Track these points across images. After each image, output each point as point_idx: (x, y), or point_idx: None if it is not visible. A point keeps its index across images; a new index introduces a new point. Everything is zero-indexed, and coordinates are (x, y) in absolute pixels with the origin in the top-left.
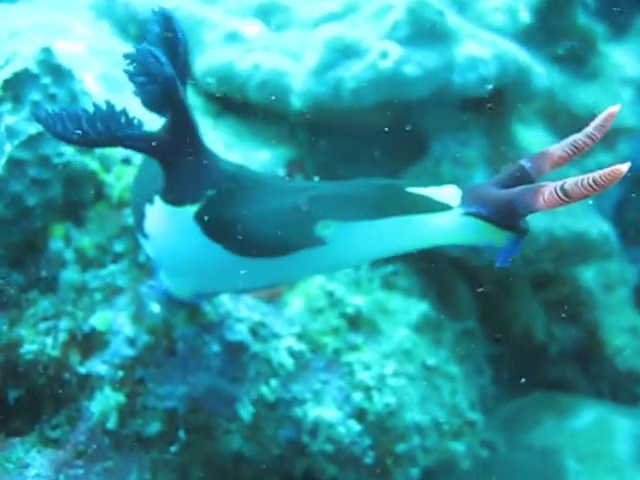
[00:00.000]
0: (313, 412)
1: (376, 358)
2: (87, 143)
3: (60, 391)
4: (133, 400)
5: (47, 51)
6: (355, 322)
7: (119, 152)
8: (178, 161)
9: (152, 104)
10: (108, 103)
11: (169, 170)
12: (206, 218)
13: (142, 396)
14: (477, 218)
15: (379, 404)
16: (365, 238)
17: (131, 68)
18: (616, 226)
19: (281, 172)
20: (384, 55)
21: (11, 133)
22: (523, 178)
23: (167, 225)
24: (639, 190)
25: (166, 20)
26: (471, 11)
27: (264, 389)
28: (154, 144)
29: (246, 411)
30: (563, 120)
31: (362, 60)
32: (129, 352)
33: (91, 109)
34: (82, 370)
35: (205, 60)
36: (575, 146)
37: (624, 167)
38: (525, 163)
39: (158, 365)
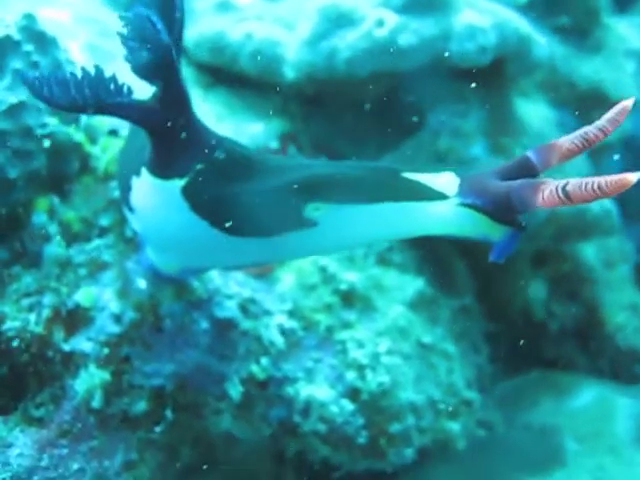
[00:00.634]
0: (305, 391)
1: (370, 336)
2: (74, 109)
3: (44, 369)
4: (119, 378)
5: (29, 17)
6: (349, 299)
7: (105, 122)
8: (167, 132)
9: (144, 71)
10: (97, 68)
11: (157, 141)
12: (193, 193)
13: (128, 374)
14: (473, 209)
15: (373, 383)
16: (356, 222)
17: (125, 31)
18: (619, 202)
19: (274, 145)
20: (380, 23)
21: None
22: (528, 170)
23: (153, 199)
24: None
25: None
26: None
27: (254, 367)
28: (143, 113)
29: (235, 390)
30: (565, 93)
31: (357, 29)
32: (115, 329)
33: (79, 74)
34: (66, 347)
35: (196, 29)
36: (586, 139)
37: (633, 177)
38: (531, 154)
39: (144, 342)
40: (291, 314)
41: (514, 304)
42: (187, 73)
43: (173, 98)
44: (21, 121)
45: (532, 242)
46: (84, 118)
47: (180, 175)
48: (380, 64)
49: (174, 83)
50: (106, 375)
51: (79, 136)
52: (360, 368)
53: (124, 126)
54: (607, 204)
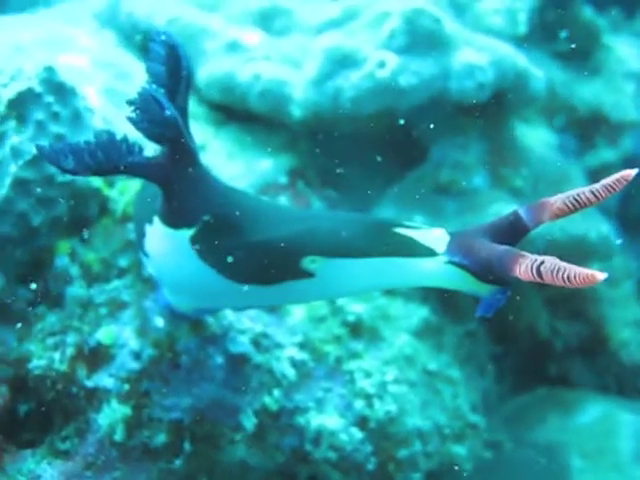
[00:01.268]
0: (316, 420)
1: (377, 365)
2: (90, 174)
3: (69, 404)
4: (139, 412)
5: (50, 70)
6: (356, 330)
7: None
8: (177, 186)
9: (154, 140)
10: (109, 132)
11: (168, 193)
12: (201, 242)
13: (148, 408)
14: (460, 268)
15: (380, 411)
16: (350, 275)
17: (134, 115)
18: (620, 220)
19: (283, 180)
20: (381, 64)
21: (16, 153)
22: (518, 228)
23: (165, 246)
24: None
25: (170, 44)
26: (470, 13)
27: (267, 399)
28: (154, 170)
29: (249, 421)
30: (565, 117)
31: (360, 69)
32: (134, 365)
33: (92, 139)
34: (89, 384)
35: (206, 70)
36: (578, 201)
37: (600, 276)
38: (522, 212)
39: (163, 378)
40: (302, 346)
41: (519, 324)
42: (199, 111)
43: (182, 158)
44: (44, 170)
45: None
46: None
47: (188, 225)
48: (383, 102)
49: (182, 147)
50: (127, 409)
51: (97, 181)
52: (368, 397)
53: None
54: (605, 229)
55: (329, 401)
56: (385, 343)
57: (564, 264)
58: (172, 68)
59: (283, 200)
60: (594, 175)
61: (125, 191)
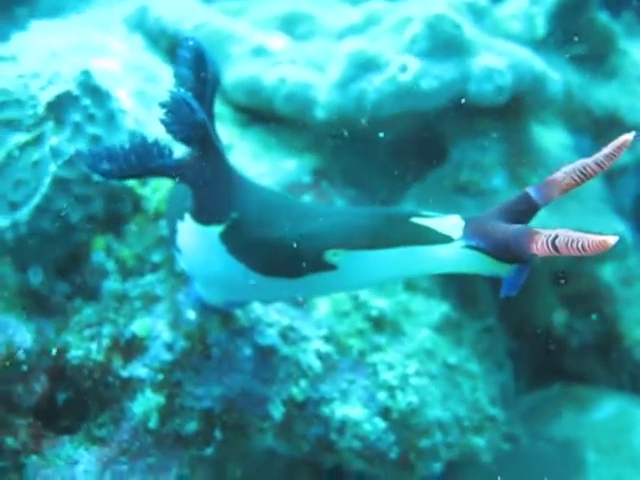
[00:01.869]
0: (340, 411)
1: (399, 358)
2: (125, 177)
3: (105, 393)
4: (172, 401)
5: (86, 73)
6: (379, 324)
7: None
8: (206, 185)
9: (184, 142)
10: (141, 137)
11: (198, 192)
12: (230, 238)
13: (180, 397)
14: (477, 251)
15: (402, 402)
16: (371, 266)
17: (166, 118)
18: (636, 220)
19: (307, 180)
20: (403, 69)
21: (55, 153)
22: (529, 206)
23: (196, 242)
24: None
25: (196, 49)
26: (488, 19)
27: (294, 389)
28: (183, 171)
29: (277, 410)
30: (581, 119)
31: (382, 73)
32: (167, 356)
33: (126, 144)
34: (124, 374)
35: (233, 73)
36: (584, 173)
37: (612, 240)
38: (531, 191)
39: (194, 368)
40: (327, 339)
41: (536, 322)
42: (225, 113)
43: (210, 159)
44: (81, 169)
45: (549, 265)
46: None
47: (218, 222)
48: (405, 105)
49: (210, 149)
50: (161, 398)
51: (131, 181)
52: (390, 389)
53: None
54: (620, 229)
55: (353, 392)
56: (407, 337)
57: (577, 234)
58: (199, 73)
59: (307, 199)
60: (608, 176)
61: (157, 189)
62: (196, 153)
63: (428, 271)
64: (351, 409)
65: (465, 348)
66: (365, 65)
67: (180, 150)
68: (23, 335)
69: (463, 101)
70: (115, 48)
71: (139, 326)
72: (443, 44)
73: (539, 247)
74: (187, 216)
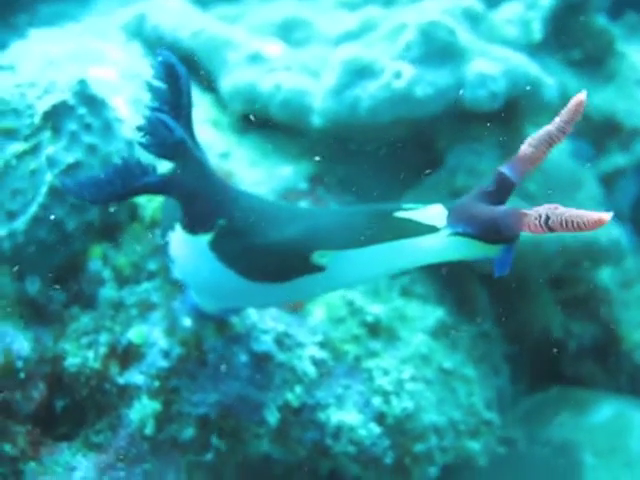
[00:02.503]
0: (336, 416)
1: (394, 364)
2: (112, 200)
3: (102, 400)
4: (168, 408)
5: (82, 83)
6: (374, 330)
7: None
8: (191, 196)
9: (166, 159)
10: (123, 158)
11: (185, 203)
12: (219, 246)
13: (177, 404)
14: (464, 237)
15: (397, 408)
16: (359, 263)
17: (144, 140)
18: (634, 223)
19: (303, 186)
20: (397, 75)
21: (51, 162)
22: (506, 185)
23: (187, 251)
24: None
25: (168, 62)
26: (484, 24)
27: (289, 395)
28: (168, 187)
29: (273, 416)
30: (579, 124)
31: (377, 80)
32: (164, 363)
33: (109, 168)
34: (121, 381)
35: (229, 80)
36: (549, 142)
37: (607, 216)
38: (505, 169)
39: (191, 375)
40: (322, 345)
41: (533, 325)
42: (222, 119)
43: (192, 170)
44: (77, 179)
45: (545, 271)
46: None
47: (206, 230)
48: (399, 111)
49: (192, 162)
50: (157, 405)
51: None
52: (385, 394)
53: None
54: (615, 233)
55: (348, 398)
56: (402, 342)
57: (568, 212)
58: (172, 84)
59: (303, 205)
60: (606, 179)
61: (153, 198)
62: (179, 167)
63: (417, 263)
64: (346, 414)
65: (460, 353)
66: (360, 72)
67: (165, 165)
68: (21, 343)
69: (457, 107)
70: (113, 56)
71: (135, 333)
72: (437, 50)
73: (532, 228)
74: (177, 226)
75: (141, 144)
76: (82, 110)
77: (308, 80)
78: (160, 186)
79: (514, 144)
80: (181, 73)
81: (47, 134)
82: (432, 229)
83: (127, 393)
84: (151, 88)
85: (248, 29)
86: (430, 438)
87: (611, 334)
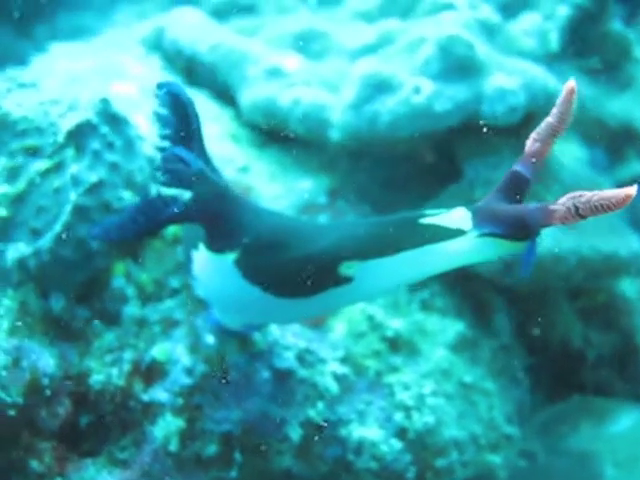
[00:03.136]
0: (357, 432)
1: (415, 379)
2: (139, 237)
3: (126, 417)
4: (192, 424)
5: (105, 102)
6: (395, 344)
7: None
8: (215, 219)
9: (187, 190)
10: (144, 195)
11: (208, 225)
12: (244, 263)
13: (200, 421)
14: (492, 237)
15: (418, 423)
16: (387, 272)
17: (164, 179)
18: None
19: (322, 200)
20: (417, 90)
21: (75, 181)
22: (522, 183)
23: (211, 269)
24: None
25: (172, 91)
26: (501, 36)
27: (311, 412)
28: (190, 215)
29: (295, 432)
30: (595, 132)
31: (396, 95)
32: (187, 381)
33: (131, 206)
34: (145, 398)
35: (249, 95)
36: (553, 134)
37: (633, 190)
38: (519, 167)
39: (214, 392)
40: (343, 361)
41: (552, 336)
42: (242, 134)
43: (211, 195)
44: (101, 196)
45: (565, 284)
46: (154, 188)
47: (231, 249)
48: (418, 126)
49: (211, 186)
50: (181, 422)
51: None
52: (407, 409)
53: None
54: (635, 245)
55: (370, 413)
56: (422, 357)
57: (595, 196)
58: (179, 113)
59: (323, 219)
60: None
61: None
62: (198, 193)
63: (446, 268)
64: (368, 430)
65: (480, 366)
66: (379, 86)
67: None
68: (46, 360)
69: (476, 121)
70: (133, 71)
71: (159, 351)
72: (456, 65)
73: (563, 220)
74: (201, 246)
75: (162, 183)
76: (104, 129)
77: (327, 94)
78: (183, 216)
79: None
80: (186, 100)
81: (70, 152)
82: (459, 232)
83: (151, 410)
84: (159, 117)
85: (266, 41)
86: (451, 453)
87: (630, 344)
